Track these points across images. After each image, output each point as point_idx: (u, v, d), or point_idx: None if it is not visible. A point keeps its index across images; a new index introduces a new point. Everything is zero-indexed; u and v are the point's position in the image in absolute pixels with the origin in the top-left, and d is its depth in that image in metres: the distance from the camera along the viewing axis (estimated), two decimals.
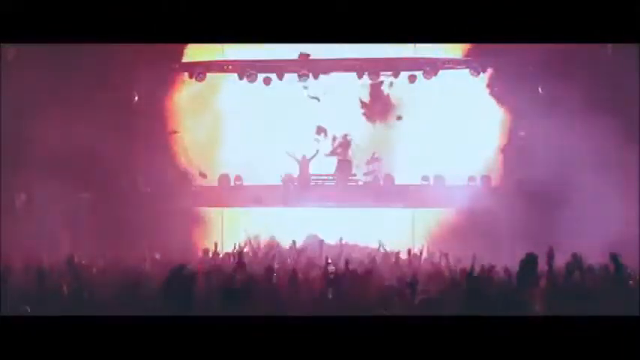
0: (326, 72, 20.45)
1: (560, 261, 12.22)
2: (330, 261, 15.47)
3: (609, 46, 18.06)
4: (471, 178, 20.39)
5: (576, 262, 11.90)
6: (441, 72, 20.61)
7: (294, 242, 17.43)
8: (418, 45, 20.22)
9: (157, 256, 15.76)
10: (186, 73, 20.74)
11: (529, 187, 19.46)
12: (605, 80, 18.00)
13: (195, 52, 20.84)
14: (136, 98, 20.37)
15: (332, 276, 12.71)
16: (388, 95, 21.04)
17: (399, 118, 20.97)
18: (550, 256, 11.58)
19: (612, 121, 17.32)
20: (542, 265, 11.39)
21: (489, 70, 20.40)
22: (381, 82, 20.96)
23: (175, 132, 20.85)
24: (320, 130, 21.04)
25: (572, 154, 18.16)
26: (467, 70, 20.58)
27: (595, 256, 12.80)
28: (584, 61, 18.14)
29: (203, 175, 20.77)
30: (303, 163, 20.68)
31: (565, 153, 18.31)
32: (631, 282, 11.68)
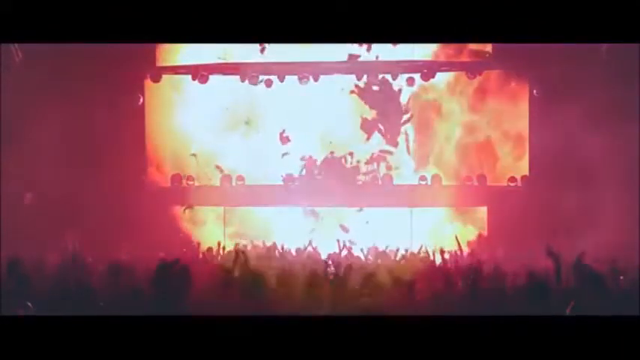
0: (326, 74, 20.43)
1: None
2: (330, 262, 15.52)
3: (604, 46, 18.09)
4: (468, 178, 20.43)
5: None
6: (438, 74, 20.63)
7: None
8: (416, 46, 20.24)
9: (161, 254, 15.81)
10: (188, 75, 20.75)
11: (526, 186, 19.51)
12: (604, 81, 18.01)
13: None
14: (141, 100, 20.37)
15: (331, 277, 12.72)
16: (396, 97, 21.01)
17: (406, 121, 20.99)
18: (555, 258, 11.59)
19: (612, 121, 17.37)
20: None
21: (486, 72, 20.38)
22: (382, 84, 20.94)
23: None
24: (285, 140, 21.02)
25: (571, 154, 18.23)
26: (463, 72, 20.58)
27: (594, 260, 12.83)
28: (583, 62, 18.15)
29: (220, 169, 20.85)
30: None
31: (564, 153, 18.38)
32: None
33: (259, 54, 20.42)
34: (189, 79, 20.75)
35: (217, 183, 20.79)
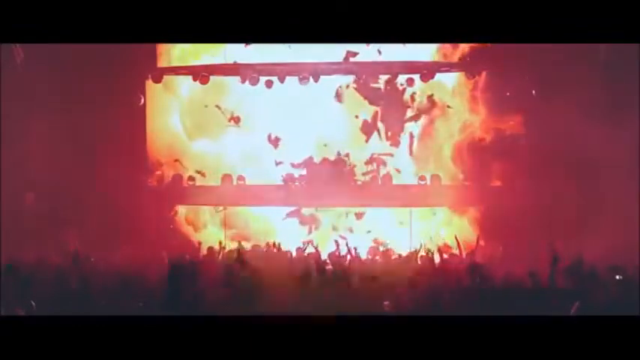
0: (326, 74, 20.41)
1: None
2: (328, 260, 15.56)
3: (602, 47, 18.10)
4: (467, 178, 20.42)
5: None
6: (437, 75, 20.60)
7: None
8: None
9: (163, 254, 15.88)
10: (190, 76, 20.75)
11: (526, 187, 19.50)
12: (603, 81, 18.01)
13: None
14: (142, 101, 20.39)
15: (330, 275, 12.75)
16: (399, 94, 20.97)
17: (411, 119, 20.98)
18: (554, 258, 11.63)
19: (611, 121, 17.37)
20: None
21: (484, 73, 20.35)
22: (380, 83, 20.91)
23: None
24: (276, 141, 21.04)
25: (570, 155, 18.23)
26: (462, 73, 20.56)
27: (594, 260, 12.83)
28: (582, 62, 18.15)
29: (202, 174, 20.84)
30: (341, 161, 20.69)
31: (563, 154, 18.39)
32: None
33: (258, 52, 20.39)
34: (189, 80, 20.76)
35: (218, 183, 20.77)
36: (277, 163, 20.90)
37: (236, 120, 21.13)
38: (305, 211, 20.76)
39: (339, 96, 20.97)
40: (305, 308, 11.19)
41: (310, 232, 20.44)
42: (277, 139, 20.95)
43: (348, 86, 20.90)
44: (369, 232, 20.32)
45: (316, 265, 13.31)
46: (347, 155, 20.72)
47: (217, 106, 21.04)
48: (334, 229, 20.47)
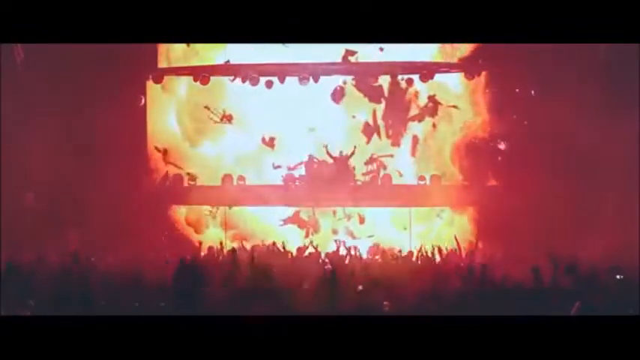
0: (326, 74, 20.39)
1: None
2: (327, 260, 15.57)
3: (602, 47, 18.11)
4: (466, 178, 20.41)
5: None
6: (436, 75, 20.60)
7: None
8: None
9: (163, 254, 15.89)
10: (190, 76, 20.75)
11: (526, 187, 19.51)
12: (603, 81, 18.03)
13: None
14: (142, 101, 20.40)
15: (328, 274, 12.76)
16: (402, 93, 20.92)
17: (414, 118, 20.94)
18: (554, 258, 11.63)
19: (611, 121, 17.38)
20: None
21: (484, 73, 20.35)
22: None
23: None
24: (270, 142, 21.03)
25: (570, 155, 18.24)
26: (462, 73, 20.55)
27: (594, 260, 12.82)
28: (581, 62, 18.17)
29: (191, 177, 20.85)
30: (341, 160, 20.62)
31: (563, 154, 18.40)
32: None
33: (259, 52, 20.39)
34: (189, 80, 20.77)
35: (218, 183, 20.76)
36: (275, 167, 20.88)
37: (228, 118, 21.09)
38: (304, 212, 20.72)
39: (337, 96, 20.91)
40: (305, 308, 11.21)
41: (308, 235, 20.39)
42: (276, 140, 20.95)
43: (346, 82, 20.84)
44: (370, 236, 20.29)
45: (317, 266, 13.35)
46: (352, 153, 20.58)
47: (206, 107, 21.01)
48: (334, 232, 20.45)
